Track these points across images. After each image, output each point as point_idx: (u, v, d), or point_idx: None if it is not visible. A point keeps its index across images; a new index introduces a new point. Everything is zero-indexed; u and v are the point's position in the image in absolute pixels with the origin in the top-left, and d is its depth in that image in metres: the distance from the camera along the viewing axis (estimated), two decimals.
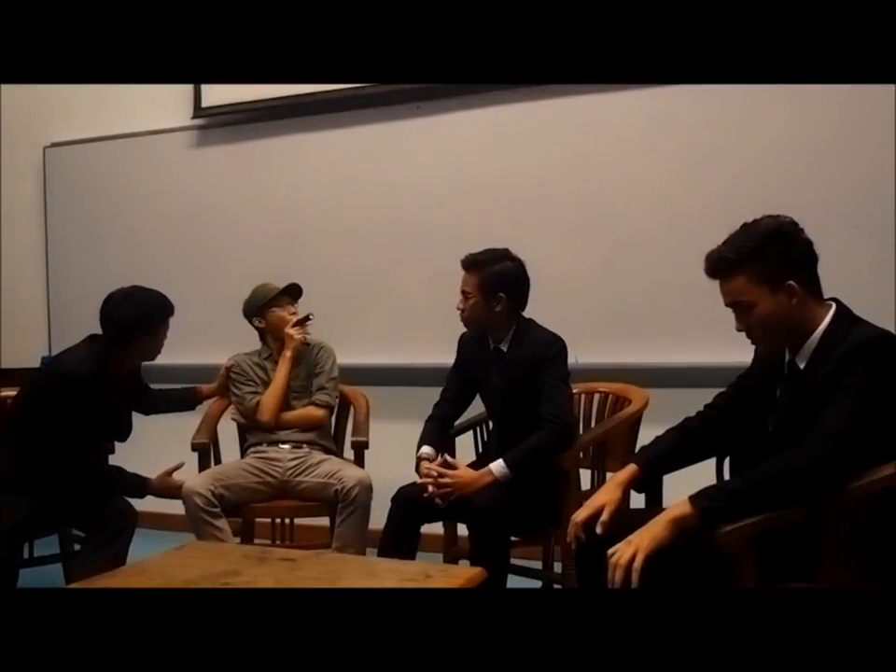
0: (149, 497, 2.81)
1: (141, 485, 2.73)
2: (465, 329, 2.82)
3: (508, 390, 2.67)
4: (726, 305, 1.85)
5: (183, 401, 3.19)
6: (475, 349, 2.79)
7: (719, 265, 1.81)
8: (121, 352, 2.66)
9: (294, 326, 3.11)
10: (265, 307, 3.16)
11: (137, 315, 2.64)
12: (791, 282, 1.76)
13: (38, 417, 2.58)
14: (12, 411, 2.72)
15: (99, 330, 2.71)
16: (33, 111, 4.52)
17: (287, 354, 3.10)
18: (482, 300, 2.64)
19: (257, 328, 3.22)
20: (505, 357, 2.69)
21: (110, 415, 2.71)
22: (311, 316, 3.12)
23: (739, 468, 1.95)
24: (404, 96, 3.71)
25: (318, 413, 3.14)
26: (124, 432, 2.83)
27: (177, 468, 2.80)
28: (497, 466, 2.50)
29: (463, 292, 2.68)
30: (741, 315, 1.83)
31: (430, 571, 1.92)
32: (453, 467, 2.59)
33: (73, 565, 2.91)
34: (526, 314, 2.73)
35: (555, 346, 2.62)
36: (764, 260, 1.76)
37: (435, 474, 2.54)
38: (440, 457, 2.65)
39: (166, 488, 2.78)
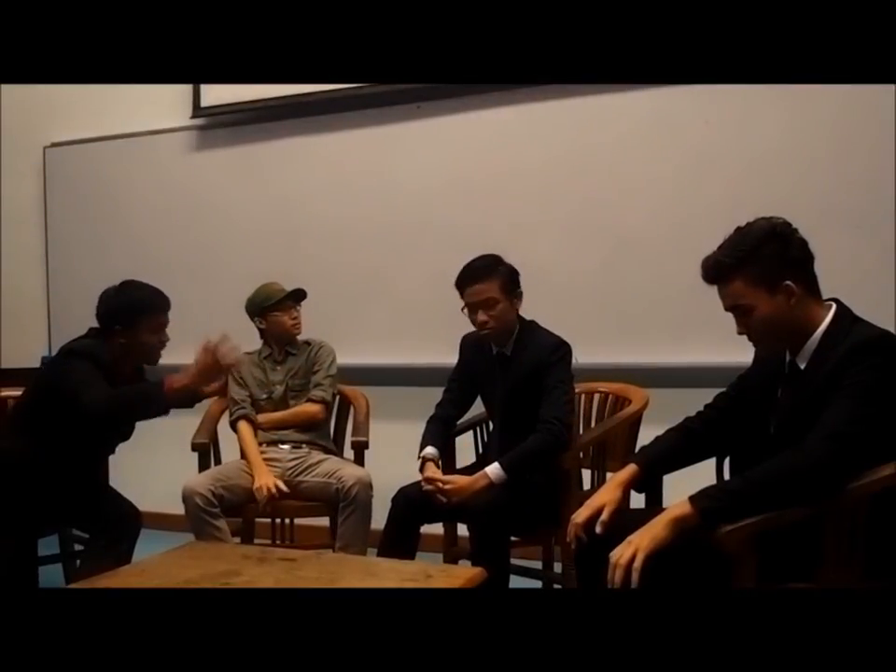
0: (149, 498, 2.81)
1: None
2: (466, 333, 2.80)
3: (511, 395, 2.66)
4: (726, 310, 1.85)
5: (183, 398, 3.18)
6: (477, 353, 2.78)
7: (715, 270, 1.82)
8: (119, 351, 2.65)
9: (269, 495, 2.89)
10: (267, 309, 3.16)
11: (126, 309, 2.62)
12: (789, 282, 1.76)
13: (59, 397, 2.53)
14: (21, 406, 2.71)
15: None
16: (33, 111, 4.52)
17: (256, 493, 2.90)
18: (508, 303, 2.61)
19: (258, 327, 3.22)
20: (508, 361, 2.68)
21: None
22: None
23: (739, 468, 1.95)
24: (405, 96, 3.72)
25: (312, 408, 3.14)
26: (128, 431, 2.82)
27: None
28: (493, 469, 2.49)
29: (484, 302, 2.59)
30: (741, 319, 1.83)
31: (431, 571, 1.92)
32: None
33: (75, 566, 2.91)
34: (527, 314, 2.73)
35: (560, 351, 2.61)
36: (760, 263, 1.77)
37: (439, 485, 2.54)
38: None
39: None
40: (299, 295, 3.19)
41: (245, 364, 3.20)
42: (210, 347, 2.51)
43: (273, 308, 3.15)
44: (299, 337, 3.25)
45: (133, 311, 2.64)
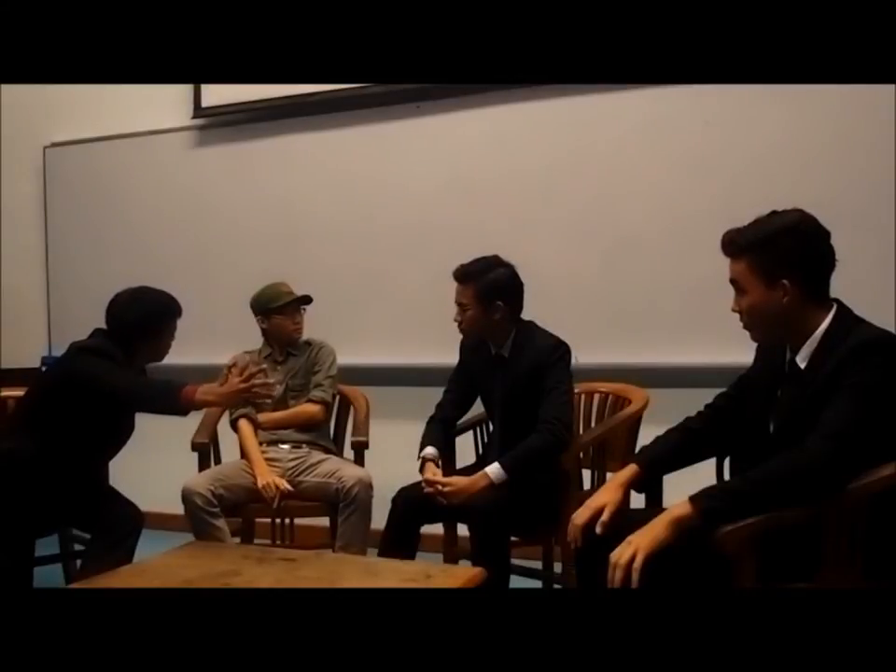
0: (149, 498, 2.80)
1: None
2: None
3: (510, 396, 2.66)
4: (729, 281, 1.86)
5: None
6: (476, 355, 2.79)
7: (728, 245, 1.84)
8: (128, 353, 2.65)
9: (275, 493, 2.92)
10: (271, 311, 3.15)
11: (144, 318, 2.63)
12: (786, 281, 1.76)
13: (75, 388, 2.54)
14: (26, 405, 2.70)
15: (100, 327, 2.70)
16: (33, 111, 4.52)
17: (255, 478, 2.94)
18: (480, 310, 2.63)
19: (260, 326, 3.21)
20: (506, 363, 2.68)
21: (116, 414, 2.69)
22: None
23: (740, 468, 1.95)
24: (404, 96, 3.72)
25: (312, 408, 3.14)
26: (128, 432, 2.82)
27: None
28: (493, 469, 2.49)
29: (459, 304, 2.67)
30: (736, 296, 1.85)
31: (431, 571, 1.93)
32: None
33: (75, 566, 2.90)
34: (527, 314, 2.73)
35: (558, 351, 2.61)
36: (766, 254, 1.77)
37: (439, 487, 2.54)
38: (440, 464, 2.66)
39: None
40: (304, 300, 3.18)
41: (244, 363, 3.20)
42: (245, 376, 2.47)
43: (277, 310, 3.15)
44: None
45: (155, 319, 2.66)
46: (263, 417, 3.14)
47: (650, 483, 2.03)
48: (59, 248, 4.54)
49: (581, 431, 2.83)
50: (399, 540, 2.58)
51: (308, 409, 3.14)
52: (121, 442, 2.78)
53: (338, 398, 3.31)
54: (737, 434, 1.98)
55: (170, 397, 2.45)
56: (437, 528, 2.80)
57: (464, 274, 2.65)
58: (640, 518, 1.76)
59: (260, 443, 3.09)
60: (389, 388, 3.57)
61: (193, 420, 3.12)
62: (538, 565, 2.83)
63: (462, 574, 1.94)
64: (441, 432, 2.80)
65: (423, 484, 2.60)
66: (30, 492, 2.53)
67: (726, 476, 2.06)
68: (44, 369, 4.06)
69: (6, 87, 4.33)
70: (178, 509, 2.87)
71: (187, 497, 2.81)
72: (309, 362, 3.21)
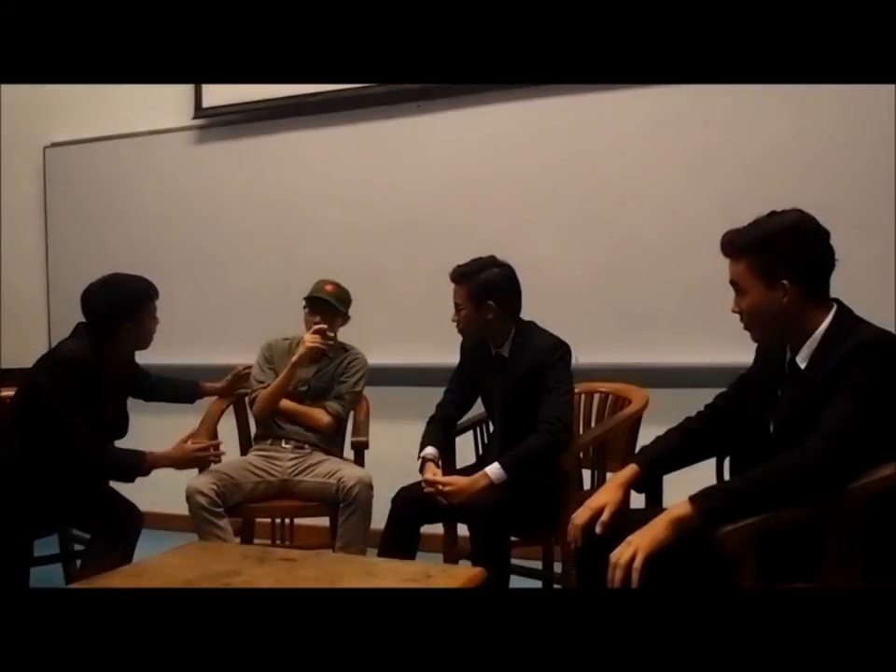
0: (150, 498, 2.80)
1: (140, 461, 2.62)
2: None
3: (510, 396, 2.67)
4: (729, 282, 1.86)
5: (184, 394, 3.16)
6: (476, 355, 2.80)
7: (727, 246, 1.84)
8: (108, 341, 2.65)
9: (314, 332, 3.04)
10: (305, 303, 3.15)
11: (119, 303, 2.63)
12: (786, 281, 1.76)
13: (43, 404, 2.54)
14: (13, 408, 2.71)
15: None
16: (33, 111, 4.52)
17: (294, 358, 3.04)
18: (472, 310, 2.64)
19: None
20: (506, 363, 2.69)
21: (107, 407, 2.69)
22: (329, 333, 3.07)
23: (740, 468, 1.96)
24: (404, 96, 3.72)
25: (325, 419, 3.10)
26: (121, 426, 2.81)
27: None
28: (493, 469, 2.49)
29: (455, 304, 2.69)
30: (736, 297, 1.86)
31: (431, 571, 1.92)
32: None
33: (75, 566, 2.90)
34: (527, 314, 2.73)
35: (558, 352, 2.61)
36: (766, 255, 1.77)
37: (439, 486, 2.54)
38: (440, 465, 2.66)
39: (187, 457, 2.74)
40: (314, 303, 3.13)
41: (278, 348, 3.20)
42: (201, 446, 2.71)
43: (305, 304, 3.14)
44: (339, 340, 3.20)
45: (131, 303, 2.66)
46: (282, 403, 3.11)
47: (650, 483, 2.03)
48: (59, 248, 4.54)
49: (581, 431, 2.83)
50: (399, 540, 2.58)
51: (320, 417, 3.11)
52: (115, 438, 2.77)
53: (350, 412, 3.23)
54: (737, 434, 1.99)
55: (129, 470, 2.61)
56: (437, 528, 2.80)
57: (459, 275, 2.67)
58: (640, 518, 1.76)
59: (266, 439, 3.10)
60: (389, 388, 3.57)
61: (193, 420, 3.13)
62: (538, 565, 2.83)
63: (462, 574, 1.93)
64: (441, 432, 2.80)
65: (423, 484, 2.60)
66: (22, 493, 2.54)
67: (726, 476, 2.06)
68: None
69: (6, 87, 4.34)
70: (178, 508, 2.87)
71: (190, 496, 2.81)
72: (339, 369, 3.17)
